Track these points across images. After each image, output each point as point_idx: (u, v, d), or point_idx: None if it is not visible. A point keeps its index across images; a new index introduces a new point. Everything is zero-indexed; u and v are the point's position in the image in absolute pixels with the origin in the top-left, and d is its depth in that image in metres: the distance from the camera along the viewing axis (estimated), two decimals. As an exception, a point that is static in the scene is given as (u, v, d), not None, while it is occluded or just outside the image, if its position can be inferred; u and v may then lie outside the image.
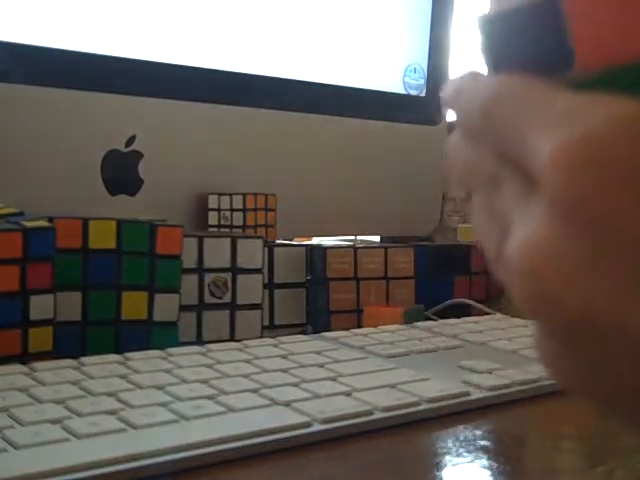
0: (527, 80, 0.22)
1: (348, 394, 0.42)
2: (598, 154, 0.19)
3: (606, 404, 0.22)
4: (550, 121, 0.20)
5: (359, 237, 0.96)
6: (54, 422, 0.36)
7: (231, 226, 0.73)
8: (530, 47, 0.22)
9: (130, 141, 0.68)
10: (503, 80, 0.23)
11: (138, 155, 0.68)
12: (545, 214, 0.20)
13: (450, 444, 0.38)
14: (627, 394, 0.20)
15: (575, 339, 0.20)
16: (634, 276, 0.19)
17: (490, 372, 0.48)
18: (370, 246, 0.71)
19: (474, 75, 0.25)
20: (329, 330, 0.60)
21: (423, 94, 0.87)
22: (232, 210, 0.73)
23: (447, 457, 0.37)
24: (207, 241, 0.57)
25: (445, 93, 0.26)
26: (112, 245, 0.53)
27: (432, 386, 0.44)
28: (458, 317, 0.65)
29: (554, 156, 0.20)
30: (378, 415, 0.40)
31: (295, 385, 0.43)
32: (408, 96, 0.85)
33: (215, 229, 0.72)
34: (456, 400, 0.43)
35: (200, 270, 0.57)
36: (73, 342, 0.52)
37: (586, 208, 0.19)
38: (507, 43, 0.23)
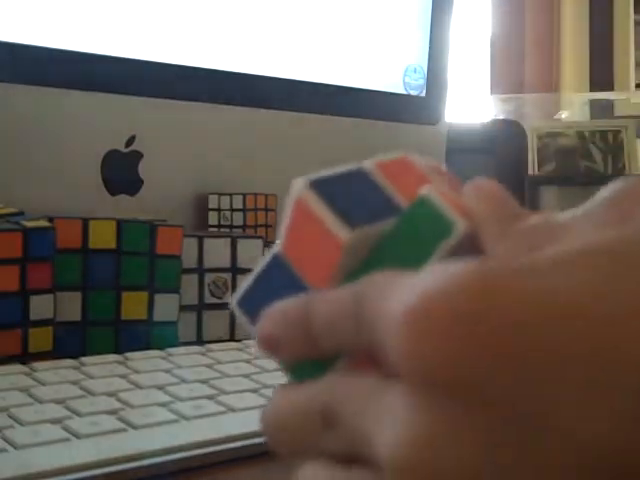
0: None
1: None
2: (434, 321, 0.18)
3: None
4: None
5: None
6: (54, 422, 0.36)
7: (231, 226, 0.73)
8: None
9: (130, 141, 0.68)
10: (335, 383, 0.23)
11: (138, 155, 0.68)
12: (405, 401, 0.19)
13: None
14: None
15: None
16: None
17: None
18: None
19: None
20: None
21: (423, 94, 0.87)
22: (232, 210, 0.73)
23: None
24: (207, 241, 0.57)
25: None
26: (112, 245, 0.53)
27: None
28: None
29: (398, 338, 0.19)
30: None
31: (295, 385, 0.43)
32: (408, 96, 0.85)
33: (215, 229, 0.72)
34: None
35: (200, 270, 0.57)
36: (73, 342, 0.52)
37: (435, 375, 0.18)
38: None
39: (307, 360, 0.24)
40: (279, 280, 0.25)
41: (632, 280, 0.18)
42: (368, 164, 0.26)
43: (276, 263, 0.25)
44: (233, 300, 0.26)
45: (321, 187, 0.25)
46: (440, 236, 0.24)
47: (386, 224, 0.25)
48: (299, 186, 0.25)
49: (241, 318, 0.26)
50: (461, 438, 0.18)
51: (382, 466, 0.19)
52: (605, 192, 0.23)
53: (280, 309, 0.24)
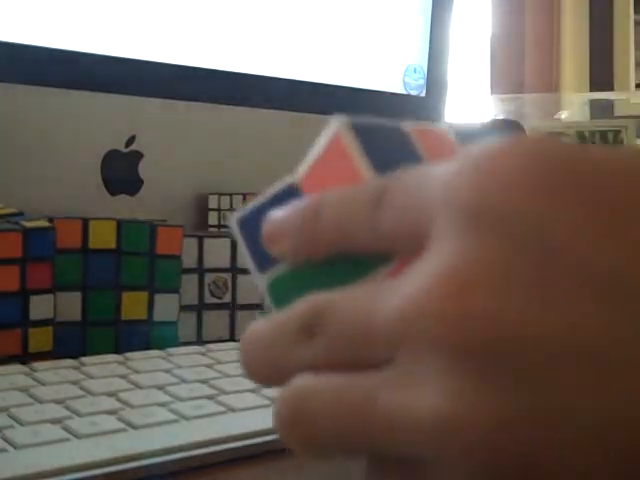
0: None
1: (348, 394, 0.42)
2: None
3: None
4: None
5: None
6: (54, 422, 0.36)
7: (231, 226, 0.73)
8: None
9: (130, 141, 0.68)
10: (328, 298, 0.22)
11: (138, 155, 0.68)
12: (456, 229, 0.18)
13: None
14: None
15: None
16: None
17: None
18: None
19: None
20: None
21: (423, 94, 0.86)
22: (232, 210, 0.73)
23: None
24: (207, 241, 0.57)
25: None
26: (112, 245, 0.53)
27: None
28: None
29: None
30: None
31: (295, 385, 0.43)
32: (408, 96, 0.85)
33: (215, 229, 0.72)
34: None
35: (200, 270, 0.57)
36: (73, 342, 0.52)
37: (531, 226, 0.17)
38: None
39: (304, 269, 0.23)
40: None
41: None
42: (407, 125, 0.26)
43: (289, 192, 0.25)
44: (233, 218, 0.25)
45: (360, 130, 0.25)
46: None
47: None
48: (339, 123, 0.25)
49: (237, 238, 0.25)
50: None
51: (420, 426, 0.18)
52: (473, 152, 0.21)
53: (290, 206, 0.23)
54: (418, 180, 0.21)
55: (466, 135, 0.27)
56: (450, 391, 0.18)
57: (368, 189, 0.22)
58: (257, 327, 0.23)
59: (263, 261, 0.25)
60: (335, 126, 0.25)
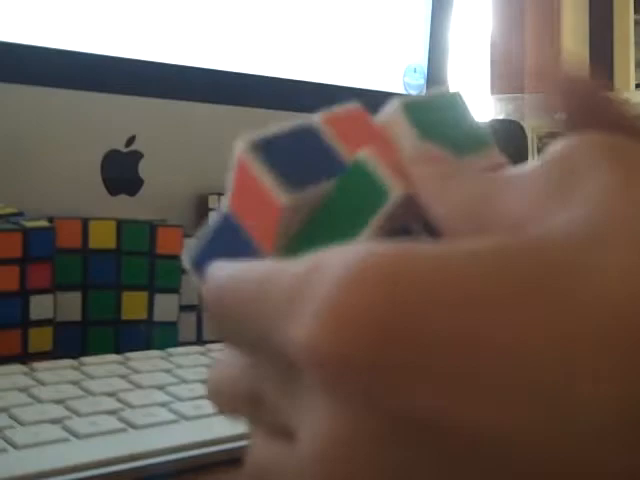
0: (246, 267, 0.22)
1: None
2: (346, 326, 0.17)
3: None
4: (287, 304, 0.19)
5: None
6: (54, 422, 0.36)
7: (231, 226, 0.73)
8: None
9: (130, 141, 0.68)
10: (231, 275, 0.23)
11: (138, 155, 0.68)
12: (318, 399, 0.18)
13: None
14: None
15: None
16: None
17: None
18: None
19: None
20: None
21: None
22: (232, 210, 0.73)
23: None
24: (207, 241, 0.57)
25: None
26: (112, 245, 0.53)
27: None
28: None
29: (304, 343, 0.18)
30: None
31: (295, 385, 0.43)
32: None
33: (215, 229, 0.72)
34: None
35: (200, 270, 0.57)
36: (73, 342, 0.52)
37: (349, 367, 0.17)
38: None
39: None
40: (230, 240, 0.25)
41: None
42: (318, 118, 0.25)
43: (226, 223, 0.25)
44: (185, 256, 0.26)
45: (263, 147, 0.24)
46: (376, 203, 0.23)
47: (328, 185, 0.24)
48: (240, 146, 0.24)
49: (193, 275, 0.25)
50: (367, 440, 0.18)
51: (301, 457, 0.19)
52: (553, 152, 0.21)
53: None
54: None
55: (418, 108, 0.26)
56: None
57: None
58: (218, 373, 0.25)
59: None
60: (237, 151, 0.25)
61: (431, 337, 0.17)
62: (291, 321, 0.19)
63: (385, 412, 0.17)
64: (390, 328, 0.17)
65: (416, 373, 0.17)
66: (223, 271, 0.23)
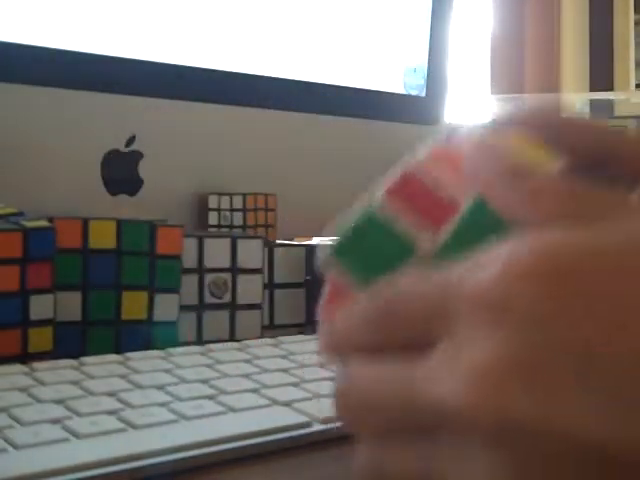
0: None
1: (348, 394, 0.42)
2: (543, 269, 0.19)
3: None
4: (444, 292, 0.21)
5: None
6: (54, 422, 0.36)
7: (231, 226, 0.73)
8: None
9: (130, 141, 0.68)
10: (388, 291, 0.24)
11: (138, 155, 0.68)
12: (484, 337, 0.20)
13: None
14: None
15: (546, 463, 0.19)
16: (608, 391, 0.18)
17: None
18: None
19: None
20: (329, 330, 0.60)
21: (423, 94, 0.86)
22: (232, 210, 0.73)
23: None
24: (207, 241, 0.57)
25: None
26: (112, 245, 0.53)
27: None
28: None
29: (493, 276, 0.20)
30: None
31: (295, 385, 0.43)
32: (408, 96, 0.85)
33: (215, 229, 0.72)
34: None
35: (200, 270, 0.57)
36: (73, 342, 0.52)
37: (538, 318, 0.19)
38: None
39: None
40: None
41: None
42: (377, 199, 0.27)
43: None
44: (325, 251, 0.27)
45: (340, 253, 0.26)
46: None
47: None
48: (324, 259, 0.27)
49: (336, 268, 0.27)
50: None
51: None
52: None
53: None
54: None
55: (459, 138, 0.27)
56: None
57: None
58: (362, 384, 0.25)
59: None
60: (323, 262, 0.27)
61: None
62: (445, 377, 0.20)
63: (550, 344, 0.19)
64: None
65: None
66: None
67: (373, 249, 0.26)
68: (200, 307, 0.57)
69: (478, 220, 0.25)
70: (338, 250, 0.27)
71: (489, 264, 0.21)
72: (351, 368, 0.25)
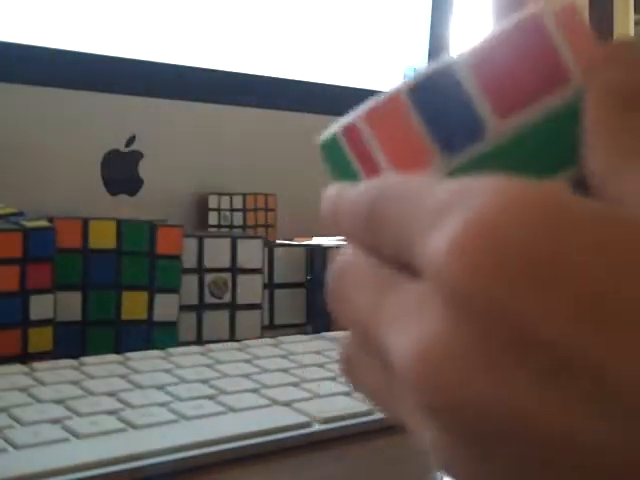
0: (406, 178, 0.22)
1: (348, 394, 0.42)
2: (494, 240, 0.18)
3: None
4: (435, 214, 0.19)
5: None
6: (54, 422, 0.36)
7: (231, 226, 0.73)
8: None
9: (130, 141, 0.68)
10: (384, 182, 0.23)
11: (138, 155, 0.68)
12: (437, 311, 0.19)
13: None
14: None
15: (483, 445, 0.19)
16: (540, 374, 0.17)
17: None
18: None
19: (352, 187, 0.25)
20: (329, 330, 0.60)
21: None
22: (232, 210, 0.73)
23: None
24: (207, 241, 0.57)
25: (325, 206, 0.26)
26: (112, 245, 0.53)
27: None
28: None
29: (445, 247, 0.18)
30: (378, 415, 0.40)
31: (295, 385, 0.43)
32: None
33: (215, 229, 0.72)
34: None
35: (200, 270, 0.57)
36: (73, 342, 0.52)
37: (484, 297, 0.18)
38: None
39: None
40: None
41: None
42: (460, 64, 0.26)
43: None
44: (402, 86, 0.25)
45: (416, 94, 0.25)
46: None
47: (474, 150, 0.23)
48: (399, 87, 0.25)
49: (411, 111, 0.25)
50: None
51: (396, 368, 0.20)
52: None
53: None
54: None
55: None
56: None
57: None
58: (333, 193, 0.26)
59: (450, 138, 0.24)
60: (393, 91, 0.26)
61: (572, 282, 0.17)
62: (436, 230, 0.19)
63: (498, 332, 0.18)
64: (537, 259, 0.17)
65: (548, 305, 0.17)
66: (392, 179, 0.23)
67: (335, 165, 0.27)
68: (200, 307, 0.57)
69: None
70: (322, 146, 0.27)
71: (455, 215, 0.19)
72: (343, 254, 0.24)
